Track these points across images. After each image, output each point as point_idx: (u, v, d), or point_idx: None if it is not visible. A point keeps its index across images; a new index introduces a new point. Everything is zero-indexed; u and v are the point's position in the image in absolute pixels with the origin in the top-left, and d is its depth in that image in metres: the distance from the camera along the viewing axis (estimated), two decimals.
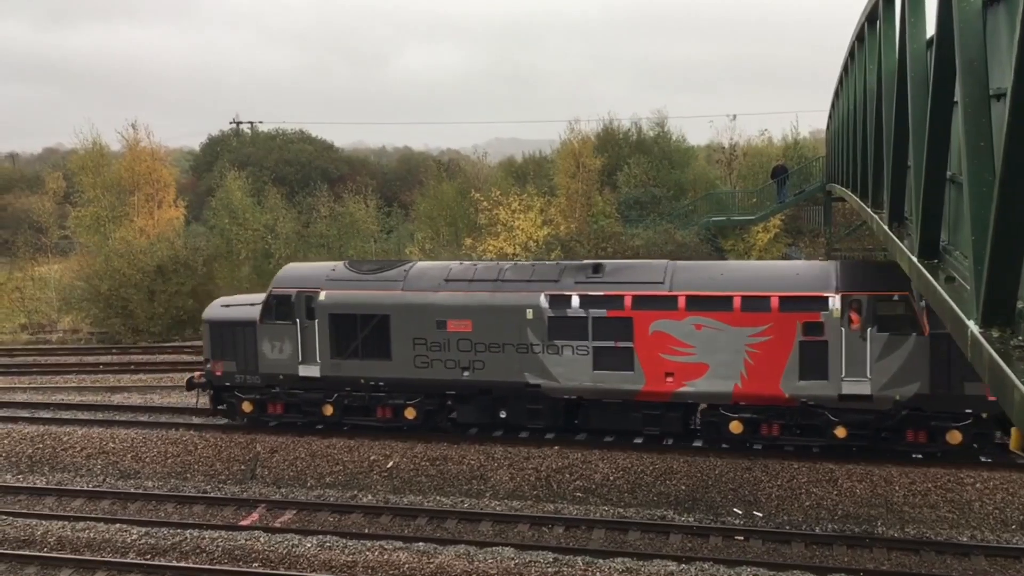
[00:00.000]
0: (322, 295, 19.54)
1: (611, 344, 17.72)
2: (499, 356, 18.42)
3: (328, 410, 19.91)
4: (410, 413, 19.49)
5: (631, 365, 17.68)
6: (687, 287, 17.55)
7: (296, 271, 20.93)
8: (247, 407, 20.49)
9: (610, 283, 18.08)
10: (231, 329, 20.31)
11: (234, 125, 74.93)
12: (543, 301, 18.13)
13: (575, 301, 18.00)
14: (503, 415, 19.02)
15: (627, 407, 18.20)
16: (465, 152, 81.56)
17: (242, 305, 20.96)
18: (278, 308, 19.81)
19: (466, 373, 18.70)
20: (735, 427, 17.61)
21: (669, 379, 17.53)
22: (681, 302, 17.34)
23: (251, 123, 75.25)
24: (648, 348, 17.53)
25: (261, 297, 20.91)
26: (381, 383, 19.38)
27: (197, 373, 21.45)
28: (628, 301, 17.67)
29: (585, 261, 19.53)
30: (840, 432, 17.10)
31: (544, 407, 18.67)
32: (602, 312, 17.79)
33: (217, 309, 21.15)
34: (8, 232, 51.61)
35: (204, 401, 21.41)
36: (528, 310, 18.16)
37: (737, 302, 17.08)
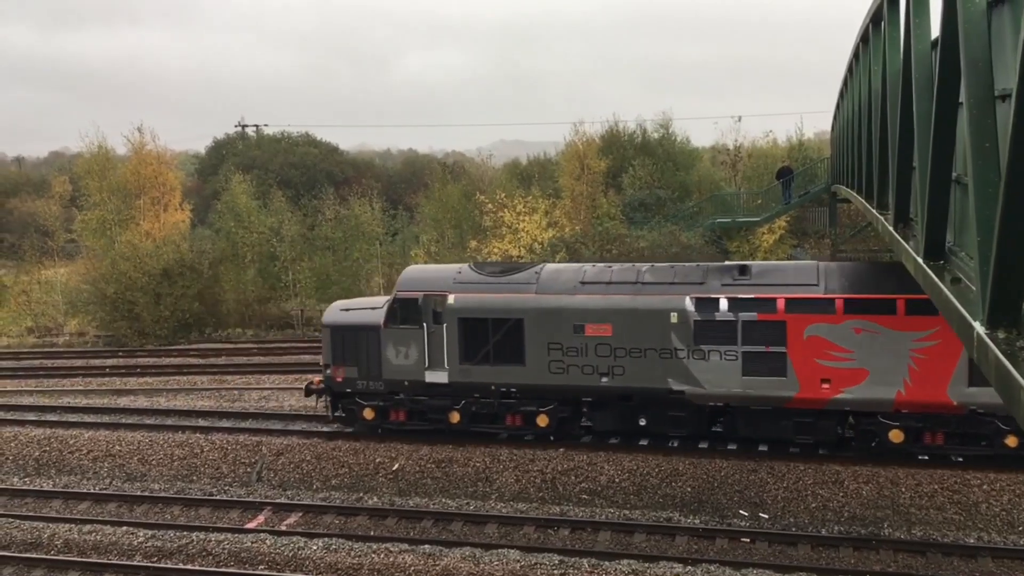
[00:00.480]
0: (451, 299, 19.00)
1: (762, 349, 17.09)
2: (641, 361, 17.78)
3: (455, 417, 19.40)
4: (543, 420, 18.90)
5: (784, 371, 17.02)
6: (845, 289, 16.89)
7: (420, 274, 20.36)
8: (368, 414, 19.99)
9: (760, 285, 17.44)
10: (353, 334, 19.73)
11: (239, 128, 75.19)
12: (688, 304, 17.49)
13: (723, 304, 17.32)
14: (643, 422, 18.41)
15: (777, 415, 17.51)
16: (469, 154, 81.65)
17: (363, 309, 20.41)
18: (403, 312, 19.29)
19: (605, 379, 18.09)
20: (895, 436, 16.96)
21: (825, 386, 16.84)
22: (839, 305, 16.65)
23: (256, 126, 75.53)
24: (802, 353, 16.88)
25: (381, 300, 20.57)
26: (513, 389, 18.86)
27: (316, 379, 21.01)
28: (781, 304, 17.02)
29: (728, 263, 18.85)
30: (1011, 441, 16.38)
31: (687, 414, 18.04)
32: (752, 315, 17.14)
33: (337, 313, 20.56)
34: (14, 236, 51.80)
35: (322, 407, 21.02)
36: (672, 314, 17.51)
37: (901, 305, 16.32)
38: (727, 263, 18.81)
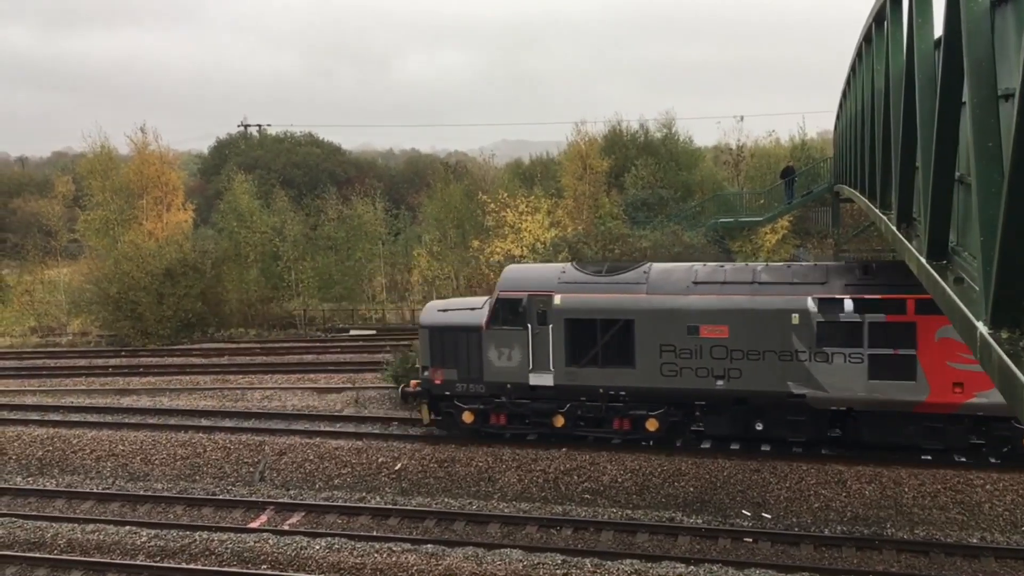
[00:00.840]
0: (557, 299, 18.49)
1: (889, 352, 16.56)
2: (759, 364, 17.26)
3: (559, 421, 18.87)
4: (652, 425, 18.37)
5: (913, 374, 16.48)
6: None
7: (523, 273, 19.82)
8: (468, 418, 19.43)
9: (888, 285, 16.86)
10: (453, 335, 19.22)
11: (242, 128, 75.29)
12: (811, 305, 16.98)
13: (848, 305, 16.75)
14: (759, 427, 17.86)
15: (905, 420, 16.99)
16: (472, 154, 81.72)
17: (461, 310, 19.95)
18: (507, 313, 18.75)
19: (720, 382, 17.56)
20: None
21: (957, 390, 16.30)
22: None
23: (259, 126, 75.61)
24: (933, 356, 16.34)
25: (479, 301, 20.20)
26: (622, 392, 18.32)
27: (413, 382, 20.38)
28: (911, 305, 16.39)
29: (848, 262, 18.06)
30: None
31: (807, 418, 17.49)
32: (880, 317, 16.61)
33: (435, 314, 20.01)
34: (18, 235, 51.86)
35: (416, 412, 20.45)
36: (794, 314, 16.98)
37: None
38: (848, 262, 18.29)
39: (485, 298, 20.17)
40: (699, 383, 17.72)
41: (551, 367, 18.61)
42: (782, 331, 17.09)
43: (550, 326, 18.52)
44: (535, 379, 18.75)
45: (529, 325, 18.67)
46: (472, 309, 19.72)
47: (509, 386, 18.95)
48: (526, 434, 19.57)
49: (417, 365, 20.73)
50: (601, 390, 18.45)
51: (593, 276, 18.88)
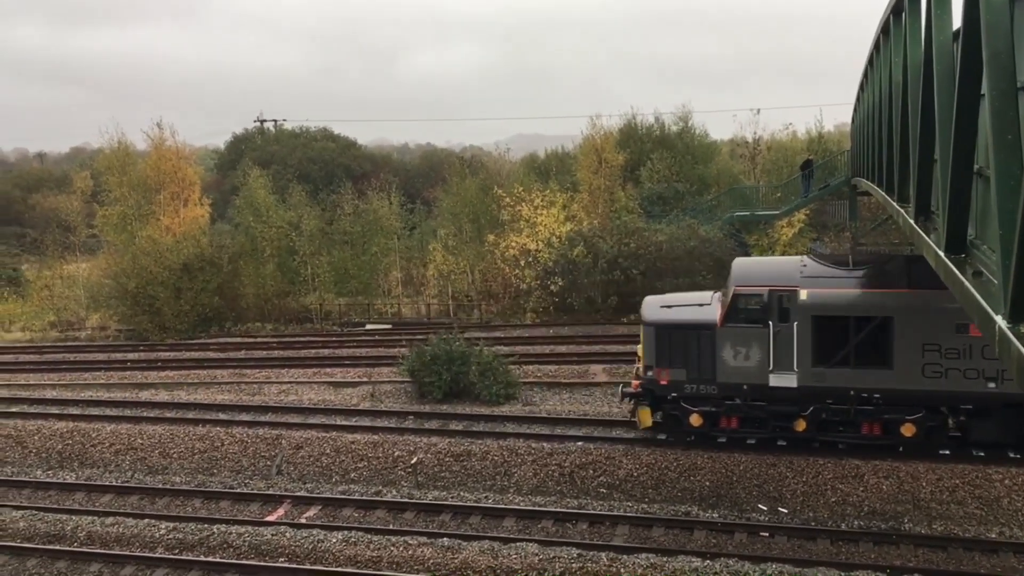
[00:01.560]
0: (803, 294, 17.28)
1: None
2: None
3: (800, 425, 17.66)
4: (908, 430, 17.09)
5: None
6: None
7: (760, 267, 18.80)
8: (696, 420, 18.19)
9: None
10: (682, 333, 18.08)
11: (258, 123, 75.57)
12: None
13: None
14: None
15: None
16: (487, 149, 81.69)
17: (689, 306, 18.85)
18: (745, 309, 17.62)
19: (992, 384, 16.29)
20: None
21: None
22: None
23: (275, 121, 75.88)
24: None
25: (705, 296, 19.32)
26: (876, 395, 17.08)
27: (634, 382, 19.18)
28: None
29: None
30: None
31: None
32: None
33: (659, 310, 18.85)
34: (37, 231, 52.33)
35: (627, 412, 19.68)
36: None
37: None
38: None
39: (710, 293, 19.39)
40: (967, 385, 16.42)
41: (795, 367, 17.36)
42: None
43: (794, 323, 17.28)
44: (776, 380, 17.51)
45: (770, 322, 17.47)
46: (700, 305, 18.68)
47: (745, 387, 17.75)
48: (769, 439, 18.30)
49: (637, 364, 19.56)
50: (852, 392, 17.16)
51: (841, 270, 17.79)
